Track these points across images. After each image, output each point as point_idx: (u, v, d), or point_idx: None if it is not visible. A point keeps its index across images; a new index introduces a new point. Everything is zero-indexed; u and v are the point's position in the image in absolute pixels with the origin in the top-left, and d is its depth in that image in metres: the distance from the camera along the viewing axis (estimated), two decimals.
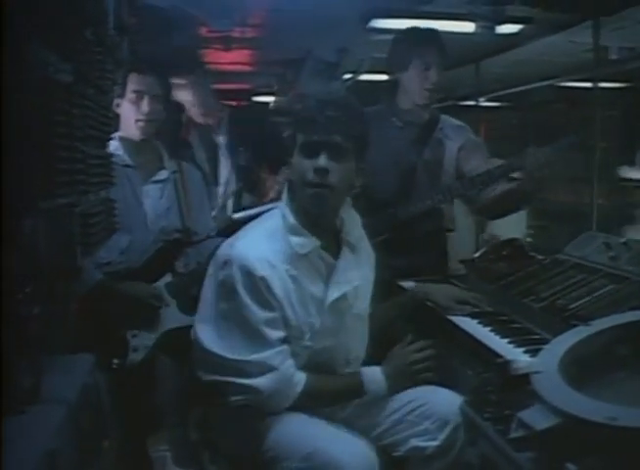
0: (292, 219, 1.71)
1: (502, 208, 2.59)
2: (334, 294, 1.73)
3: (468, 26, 3.01)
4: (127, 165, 2.37)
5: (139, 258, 2.32)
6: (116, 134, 2.38)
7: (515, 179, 2.48)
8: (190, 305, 2.26)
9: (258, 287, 1.63)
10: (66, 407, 1.37)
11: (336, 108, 1.68)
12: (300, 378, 1.69)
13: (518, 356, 1.58)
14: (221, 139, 3.10)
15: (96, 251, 1.68)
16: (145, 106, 2.34)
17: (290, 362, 1.68)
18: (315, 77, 4.57)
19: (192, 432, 2.00)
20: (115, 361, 2.23)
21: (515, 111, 6.83)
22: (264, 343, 1.64)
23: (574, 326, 1.69)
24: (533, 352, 1.60)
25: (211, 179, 2.99)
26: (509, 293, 2.14)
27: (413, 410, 1.76)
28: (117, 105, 2.36)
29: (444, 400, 1.70)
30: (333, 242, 1.78)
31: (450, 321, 1.99)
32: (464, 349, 1.87)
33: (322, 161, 1.65)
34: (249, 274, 1.63)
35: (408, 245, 2.50)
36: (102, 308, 2.22)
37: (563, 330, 1.67)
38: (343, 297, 1.75)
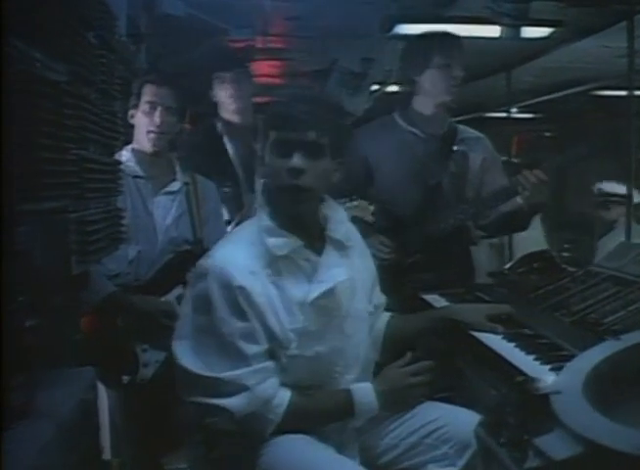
0: (267, 221, 1.62)
1: (507, 226, 2.56)
2: (314, 292, 1.61)
3: (493, 30, 2.91)
4: (138, 176, 2.34)
5: (148, 269, 2.27)
6: (130, 146, 2.36)
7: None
8: None
9: (236, 298, 1.54)
10: (55, 424, 1.30)
11: (308, 102, 1.60)
12: (283, 399, 1.57)
13: (543, 374, 1.45)
14: (258, 146, 3.01)
15: (94, 261, 1.61)
16: (157, 117, 2.32)
17: (270, 382, 1.56)
18: (341, 88, 4.51)
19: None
20: (125, 378, 2.17)
21: (548, 122, 6.67)
22: (240, 359, 1.54)
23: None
24: (560, 370, 1.47)
25: (246, 186, 2.89)
26: (538, 307, 2.03)
27: (431, 433, 1.64)
28: (132, 116, 2.34)
29: (465, 423, 1.57)
30: (318, 240, 1.69)
31: (473, 336, 1.87)
32: (487, 366, 1.75)
33: (296, 160, 1.57)
34: (226, 285, 1.54)
35: (435, 260, 2.42)
36: (111, 322, 2.17)
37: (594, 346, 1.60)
38: (329, 295, 1.63)
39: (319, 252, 1.67)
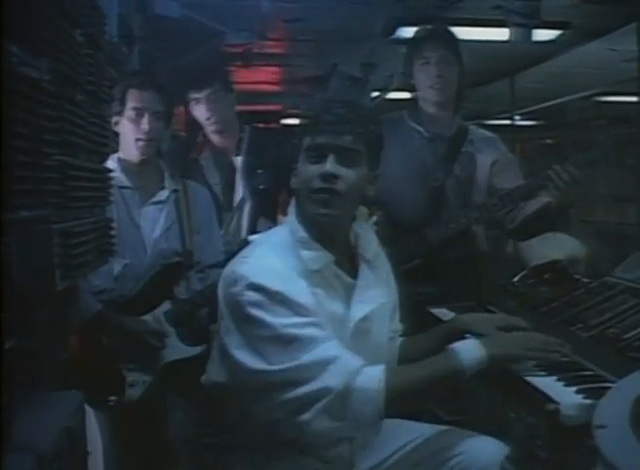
0: (302, 232, 1.54)
1: (537, 227, 2.40)
2: (358, 313, 1.53)
3: (501, 33, 2.81)
4: (124, 187, 2.23)
5: (135, 284, 2.16)
6: (115, 155, 2.25)
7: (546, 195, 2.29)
8: (191, 335, 2.11)
9: (275, 302, 1.43)
10: (37, 456, 1.18)
11: (344, 106, 1.53)
12: (375, 368, 1.42)
13: (569, 398, 1.33)
14: (239, 161, 2.87)
15: (80, 275, 1.49)
16: (145, 124, 2.20)
17: (354, 357, 1.43)
18: (341, 95, 4.40)
19: None
20: (112, 398, 2.06)
21: (550, 129, 6.57)
22: (312, 341, 1.41)
23: (632, 360, 1.48)
24: (587, 393, 1.36)
25: (225, 203, 2.75)
26: (553, 320, 1.91)
27: (446, 461, 1.52)
28: (116, 123, 2.22)
29: (483, 451, 1.46)
30: (347, 258, 1.60)
31: None
32: (504, 386, 1.63)
33: (330, 165, 1.50)
34: (263, 291, 1.43)
35: (439, 270, 2.31)
36: (96, 340, 2.08)
37: (618, 364, 1.50)
38: (370, 317, 1.56)
39: (350, 271, 1.59)
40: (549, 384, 1.45)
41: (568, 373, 1.50)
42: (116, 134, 2.22)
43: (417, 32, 2.49)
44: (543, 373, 1.52)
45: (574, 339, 1.73)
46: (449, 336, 1.78)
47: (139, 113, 2.20)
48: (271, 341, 1.42)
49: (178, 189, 2.31)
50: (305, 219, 1.54)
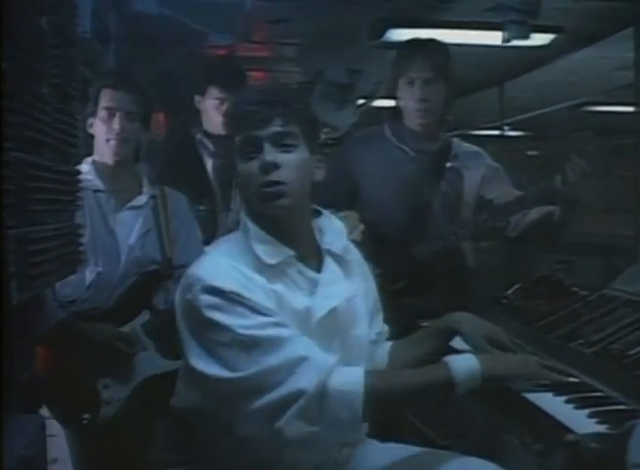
0: (254, 228, 1.44)
1: (539, 235, 2.31)
2: (322, 310, 1.42)
3: (494, 37, 2.72)
4: (98, 191, 2.13)
5: (109, 294, 2.04)
6: (90, 158, 2.16)
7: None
8: (171, 348, 1.97)
9: (233, 303, 1.32)
10: None
11: (263, 94, 1.46)
12: (355, 373, 1.32)
13: (582, 423, 1.22)
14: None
15: (41, 286, 1.36)
16: (116, 124, 2.10)
17: (326, 355, 1.33)
18: (326, 101, 4.30)
19: None
20: (86, 416, 1.93)
21: (537, 140, 6.51)
22: (276, 343, 1.30)
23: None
24: (601, 417, 1.25)
25: (222, 205, 2.66)
26: (551, 335, 1.82)
27: None
28: (91, 125, 2.13)
29: None
30: (312, 254, 1.50)
31: None
32: (505, 407, 1.51)
33: (267, 154, 1.39)
34: (218, 292, 1.33)
35: (427, 286, 2.26)
36: (66, 354, 1.95)
37: (626, 384, 1.41)
38: (333, 314, 1.45)
39: (316, 267, 1.48)
40: (558, 406, 1.34)
41: (576, 394, 1.39)
42: (92, 136, 2.13)
43: (402, 48, 2.39)
44: (550, 393, 1.41)
45: (576, 355, 1.64)
46: (441, 334, 1.65)
47: (111, 113, 2.11)
48: (232, 345, 1.31)
49: (156, 195, 2.21)
50: (258, 217, 1.45)
